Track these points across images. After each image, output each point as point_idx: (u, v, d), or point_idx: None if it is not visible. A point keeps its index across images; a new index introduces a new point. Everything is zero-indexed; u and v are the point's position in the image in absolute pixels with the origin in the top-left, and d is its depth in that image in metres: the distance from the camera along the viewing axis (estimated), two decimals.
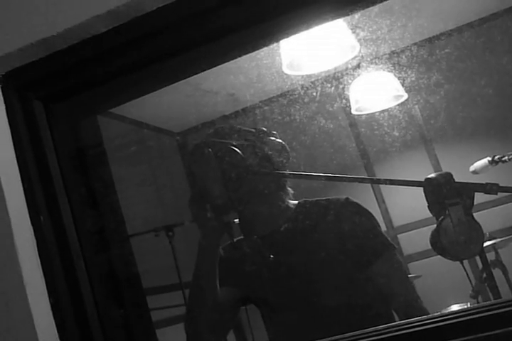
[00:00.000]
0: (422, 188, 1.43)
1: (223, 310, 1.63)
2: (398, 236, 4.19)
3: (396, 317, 1.68)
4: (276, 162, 1.67)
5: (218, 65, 1.03)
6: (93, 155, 1.10)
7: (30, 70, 0.97)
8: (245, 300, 1.72)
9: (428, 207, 1.43)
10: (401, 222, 4.17)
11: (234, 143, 1.62)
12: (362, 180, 1.52)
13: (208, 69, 1.03)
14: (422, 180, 1.45)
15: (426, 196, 1.42)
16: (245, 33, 0.94)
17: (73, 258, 1.05)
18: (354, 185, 4.18)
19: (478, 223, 1.40)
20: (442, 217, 1.40)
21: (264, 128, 1.77)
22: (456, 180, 1.43)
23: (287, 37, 1.01)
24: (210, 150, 1.56)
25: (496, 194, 1.38)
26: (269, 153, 1.65)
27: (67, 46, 0.93)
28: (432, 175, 1.43)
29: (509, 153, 2.63)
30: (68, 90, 1.00)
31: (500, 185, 1.36)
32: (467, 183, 1.40)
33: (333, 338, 0.84)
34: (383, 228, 4.12)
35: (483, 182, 1.42)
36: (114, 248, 1.12)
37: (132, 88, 1.02)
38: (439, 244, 1.42)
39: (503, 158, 2.63)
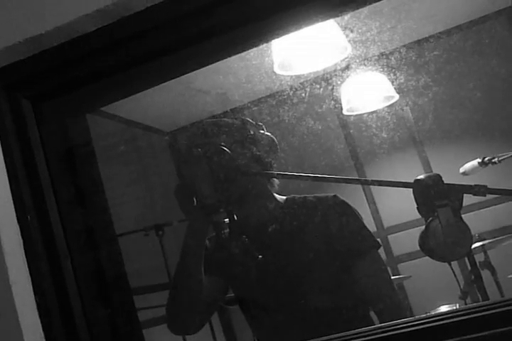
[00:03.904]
0: (411, 189, 1.43)
1: (205, 296, 1.63)
2: (388, 237, 4.20)
3: (376, 319, 1.69)
4: (265, 162, 1.68)
5: (208, 64, 1.03)
6: (81, 154, 1.09)
7: (18, 69, 0.96)
8: (227, 289, 1.73)
9: (417, 208, 1.43)
10: (391, 222, 4.18)
11: (223, 143, 1.62)
12: (351, 181, 1.52)
13: (198, 69, 1.02)
14: (412, 181, 1.45)
15: (415, 197, 1.42)
16: (236, 33, 0.94)
17: (60, 258, 1.05)
18: (344, 186, 4.18)
19: (466, 225, 1.40)
20: (431, 219, 1.40)
21: (250, 120, 1.77)
22: (446, 182, 1.43)
23: (278, 37, 1.01)
24: (199, 150, 1.56)
25: (485, 196, 1.38)
26: (258, 153, 1.66)
27: (56, 45, 0.92)
28: (421, 177, 1.43)
29: (499, 155, 2.64)
30: (57, 89, 0.99)
31: (489, 186, 1.36)
32: (456, 185, 1.40)
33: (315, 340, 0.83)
34: (373, 229, 4.13)
35: (473, 183, 1.43)
36: (102, 247, 1.11)
37: (121, 87, 1.01)
38: (428, 246, 1.42)
39: (493, 160, 2.64)
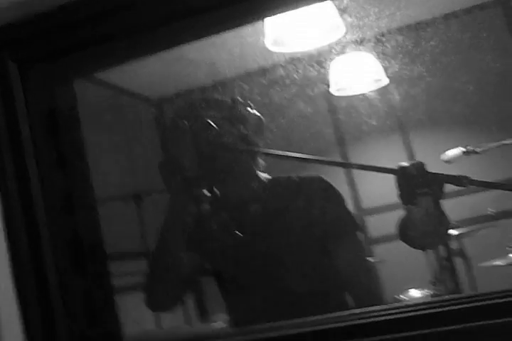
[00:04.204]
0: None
1: (182, 273, 1.63)
2: (365, 218, 4.23)
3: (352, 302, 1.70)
4: (251, 141, 1.67)
5: (200, 38, 1.02)
6: (66, 118, 1.08)
7: (7, 32, 0.94)
8: (204, 266, 1.74)
9: (398, 195, 1.44)
10: (370, 204, 4.20)
11: (209, 118, 1.61)
12: (335, 164, 1.52)
13: (188, 42, 1.01)
14: (395, 167, 1.45)
15: (397, 184, 1.43)
16: (230, 9, 0.92)
17: (38, 223, 1.04)
18: (325, 166, 4.19)
19: (445, 214, 1.41)
20: (411, 206, 1.41)
21: (240, 99, 1.76)
22: (429, 170, 1.43)
23: (272, 15, 1.00)
24: (186, 123, 1.55)
25: (466, 186, 1.39)
26: (245, 132, 1.65)
27: (47, 9, 0.90)
28: (405, 164, 1.43)
29: (483, 145, 2.66)
30: (45, 54, 0.97)
31: (470, 175, 1.37)
32: (438, 174, 1.41)
33: (284, 324, 0.84)
34: (351, 209, 4.15)
35: (455, 172, 1.43)
36: (80, 213, 1.11)
37: (111, 56, 1.00)
38: (405, 233, 1.43)
39: (476, 149, 2.65)
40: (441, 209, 1.40)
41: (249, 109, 1.74)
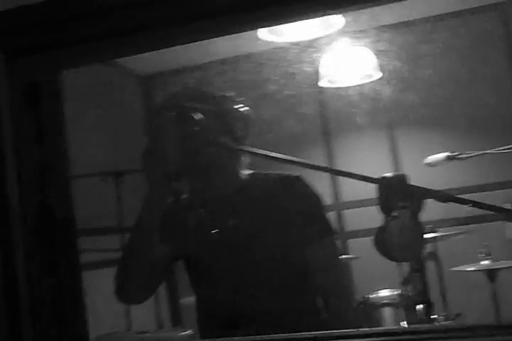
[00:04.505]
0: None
1: (156, 265, 1.62)
2: (344, 211, 4.24)
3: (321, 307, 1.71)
4: (237, 136, 1.65)
5: (197, 41, 1.00)
6: (47, 89, 1.04)
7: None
8: (178, 258, 1.73)
9: (378, 204, 1.43)
10: (349, 198, 4.21)
11: (196, 109, 1.59)
12: (320, 169, 1.51)
13: (179, 45, 0.98)
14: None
15: (378, 194, 1.42)
16: (232, 17, 0.90)
17: (8, 195, 1.01)
18: (309, 156, 4.19)
19: (422, 228, 1.41)
20: (390, 218, 1.40)
21: (231, 94, 1.74)
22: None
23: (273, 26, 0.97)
24: (173, 113, 1.52)
25: (446, 203, 1.39)
26: (230, 127, 1.63)
27: (38, 2, 0.87)
28: (388, 175, 1.42)
29: (467, 152, 2.66)
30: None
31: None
32: (420, 188, 1.40)
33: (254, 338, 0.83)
34: (330, 201, 4.16)
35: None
36: (53, 188, 1.08)
37: (100, 53, 0.97)
38: (381, 244, 1.42)
39: (460, 156, 2.66)
40: (418, 223, 1.39)
41: (237, 105, 1.72)
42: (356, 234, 4.07)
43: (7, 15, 0.91)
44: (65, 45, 0.93)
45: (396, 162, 4.07)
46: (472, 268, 2.92)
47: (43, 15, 0.92)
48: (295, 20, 0.95)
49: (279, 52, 3.50)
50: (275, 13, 0.91)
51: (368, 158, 4.04)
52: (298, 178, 1.70)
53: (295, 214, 1.67)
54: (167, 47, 0.95)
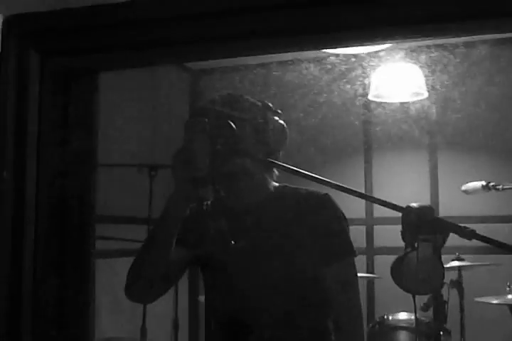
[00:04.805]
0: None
1: (170, 266, 1.62)
2: (374, 227, 4.20)
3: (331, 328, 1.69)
4: (271, 148, 1.65)
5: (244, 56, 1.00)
6: (83, 79, 1.04)
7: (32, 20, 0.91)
8: (193, 262, 1.73)
9: (401, 233, 1.41)
10: (381, 213, 4.16)
11: (233, 117, 1.58)
12: (345, 191, 1.49)
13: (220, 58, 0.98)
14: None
15: (402, 223, 1.40)
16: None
17: (26, 186, 1.01)
18: (347, 168, 4.17)
19: (442, 264, 1.38)
20: (410, 249, 1.38)
21: (270, 104, 1.74)
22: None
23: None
24: (206, 120, 1.51)
25: (470, 240, 1.36)
26: (266, 138, 1.63)
27: (81, 7, 0.88)
28: (414, 205, 1.40)
29: (505, 184, 2.61)
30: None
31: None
32: (445, 222, 1.37)
33: None
34: (362, 215, 4.12)
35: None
36: (81, 176, 1.08)
37: (136, 60, 0.98)
38: (398, 274, 1.40)
39: (497, 187, 2.61)
40: (439, 258, 1.37)
41: (276, 115, 1.71)
42: (384, 250, 4.02)
43: (43, 17, 0.92)
44: (101, 51, 0.93)
45: (433, 184, 4.00)
46: (496, 301, 2.86)
47: (84, 20, 0.93)
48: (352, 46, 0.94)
49: (333, 60, 3.48)
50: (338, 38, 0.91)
51: (406, 176, 3.99)
52: (325, 196, 1.69)
53: (318, 232, 1.66)
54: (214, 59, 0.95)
